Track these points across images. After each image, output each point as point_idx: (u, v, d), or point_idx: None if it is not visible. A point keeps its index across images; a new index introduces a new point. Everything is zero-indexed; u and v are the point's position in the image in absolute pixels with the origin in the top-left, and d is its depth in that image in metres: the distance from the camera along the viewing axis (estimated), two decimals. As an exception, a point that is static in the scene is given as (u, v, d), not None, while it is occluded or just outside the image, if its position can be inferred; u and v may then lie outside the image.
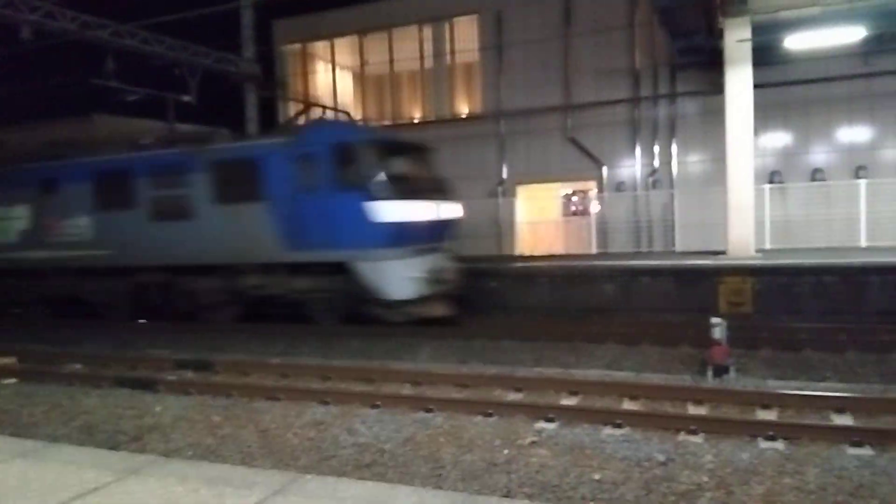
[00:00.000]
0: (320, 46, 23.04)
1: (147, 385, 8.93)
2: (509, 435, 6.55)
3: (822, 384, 7.89)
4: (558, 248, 18.44)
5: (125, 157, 14.17)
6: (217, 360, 10.10)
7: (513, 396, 7.93)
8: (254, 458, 6.36)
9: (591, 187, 18.64)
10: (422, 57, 21.13)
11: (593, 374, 8.83)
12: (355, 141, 12.01)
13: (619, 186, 18.13)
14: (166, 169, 13.41)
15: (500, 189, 19.51)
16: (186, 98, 16.76)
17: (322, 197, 11.67)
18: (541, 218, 19.48)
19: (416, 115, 22.20)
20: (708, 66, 15.51)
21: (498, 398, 7.83)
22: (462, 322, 12.20)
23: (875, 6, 11.79)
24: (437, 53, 20.84)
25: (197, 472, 4.39)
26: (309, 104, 22.69)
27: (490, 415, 7.15)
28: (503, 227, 19.17)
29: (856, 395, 7.15)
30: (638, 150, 17.90)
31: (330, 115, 22.55)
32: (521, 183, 19.52)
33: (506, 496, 5.24)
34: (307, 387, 8.67)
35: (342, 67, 23.20)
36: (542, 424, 6.82)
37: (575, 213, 19.48)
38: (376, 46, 21.73)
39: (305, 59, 23.32)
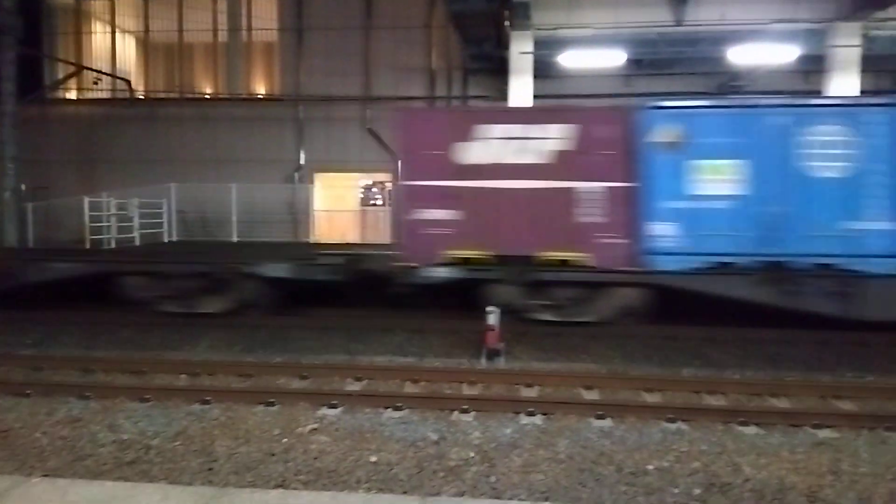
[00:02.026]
0: (98, 5, 20.67)
1: None
2: (290, 423, 6.49)
3: (577, 365, 8.90)
4: (354, 238, 18.62)
5: None
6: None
7: (297, 384, 7.86)
8: (-13, 464, 5.58)
9: (388, 179, 19.04)
10: (215, 30, 19.92)
11: (379, 360, 9.07)
12: None
13: (414, 180, 18.71)
14: None
15: (296, 175, 19.12)
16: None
17: None
18: (338, 207, 19.47)
19: (208, 91, 20.90)
20: (496, 73, 16.63)
21: (281, 387, 7.72)
22: (248, 311, 11.75)
23: (634, 34, 13.53)
24: (233, 28, 19.81)
25: None
26: (82, 67, 20.30)
27: (272, 404, 7.02)
28: (299, 214, 18.85)
29: (602, 374, 8.18)
30: (433, 146, 18.61)
31: (106, 81, 20.41)
32: (319, 170, 19.31)
33: (280, 485, 5.19)
34: (63, 381, 7.79)
35: (124, 31, 21.04)
36: (324, 411, 6.85)
37: (373, 204, 19.79)
38: (164, 12, 20.05)
39: (80, 17, 20.76)
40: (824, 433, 6.33)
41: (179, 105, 20.02)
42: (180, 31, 20.20)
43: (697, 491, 5.15)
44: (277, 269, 10.84)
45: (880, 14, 13.82)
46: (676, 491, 5.15)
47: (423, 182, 10.03)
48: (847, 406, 7.12)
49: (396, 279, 10.29)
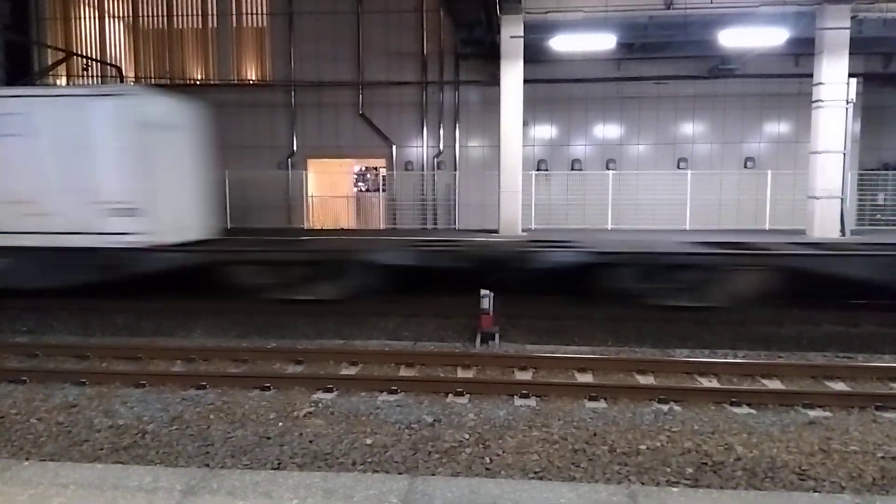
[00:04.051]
0: (85, -11, 20.41)
1: None
2: (285, 407, 6.52)
3: (570, 348, 8.96)
4: (349, 224, 18.60)
5: None
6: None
7: (292, 369, 7.89)
8: (-16, 449, 5.60)
9: (382, 165, 18.98)
10: (204, 14, 19.73)
11: (374, 344, 9.11)
12: None
13: (406, 166, 18.69)
14: None
15: (290, 161, 19.03)
16: None
17: None
18: (332, 193, 19.40)
19: (199, 77, 20.71)
20: (487, 57, 16.53)
21: (277, 372, 7.74)
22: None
23: (625, 17, 13.47)
24: (223, 13, 19.60)
25: None
26: (70, 54, 20.06)
27: (267, 388, 7.06)
28: (293, 201, 18.78)
29: (595, 356, 8.24)
30: (425, 131, 18.57)
31: (95, 67, 20.20)
32: (312, 156, 19.22)
33: (276, 468, 5.23)
34: (60, 367, 7.79)
35: (112, 16, 20.79)
36: (319, 395, 6.90)
37: (367, 190, 19.74)
38: (153, -3, 19.82)
39: (68, 3, 20.49)
40: (815, 413, 6.41)
41: (169, 91, 19.82)
42: (170, 16, 19.97)
43: (690, 470, 5.22)
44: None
45: (870, -4, 13.79)
46: (669, 470, 5.21)
47: None
48: (838, 386, 7.20)
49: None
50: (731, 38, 13.89)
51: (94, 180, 10.38)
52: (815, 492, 4.78)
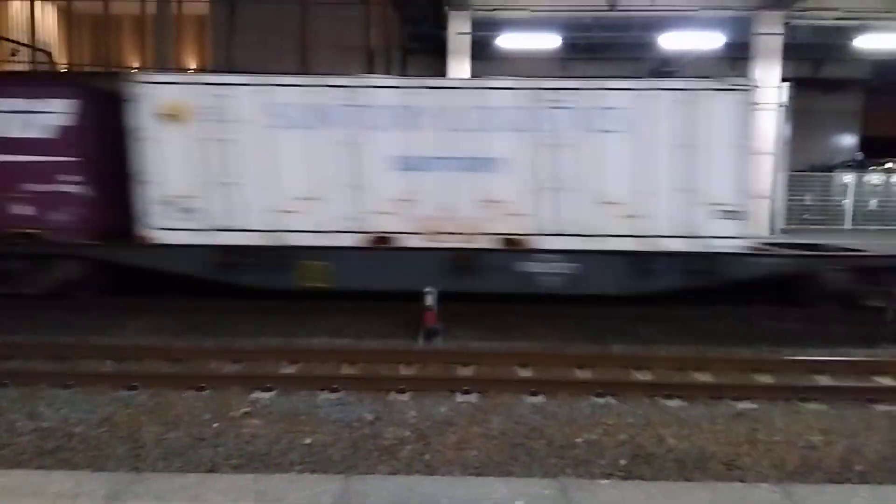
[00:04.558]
0: (12, -30, 19.43)
1: None
2: (221, 408, 6.38)
3: (513, 343, 9.05)
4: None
5: None
6: None
7: (229, 368, 7.72)
8: None
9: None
10: (143, 0, 19.07)
11: (316, 342, 8.99)
12: None
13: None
14: None
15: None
16: None
17: None
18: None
19: (136, 65, 20.02)
20: (435, 53, 16.55)
21: (213, 371, 7.56)
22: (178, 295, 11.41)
23: (570, 17, 13.69)
24: None
25: None
26: (-3, 37, 19.08)
27: (203, 388, 6.88)
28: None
29: (536, 351, 8.35)
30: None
31: (25, 53, 19.28)
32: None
33: (210, 471, 5.10)
34: (-22, 369, 7.40)
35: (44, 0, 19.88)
36: (257, 394, 6.77)
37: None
38: (87, -20, 19.05)
39: (-8, -17, 19.47)
40: (743, 405, 6.66)
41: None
42: (106, 0, 19.22)
43: (623, 462, 5.35)
44: None
45: (801, 4, 14.43)
46: (603, 462, 5.34)
47: None
48: (765, 379, 7.51)
49: None
50: (671, 41, 14.30)
51: (703, 181, 9.63)
52: (740, 481, 4.97)
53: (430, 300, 8.99)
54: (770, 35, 14.32)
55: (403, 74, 18.13)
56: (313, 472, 5.04)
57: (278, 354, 8.04)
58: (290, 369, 7.67)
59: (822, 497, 4.32)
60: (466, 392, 6.87)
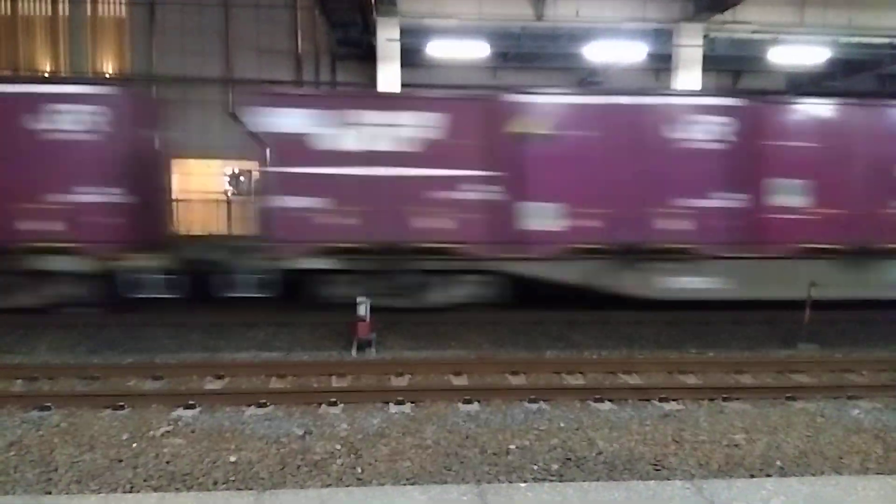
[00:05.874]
0: None
1: None
2: (141, 427, 6.04)
3: (447, 352, 9.01)
4: (219, 228, 17.70)
5: None
6: None
7: (149, 385, 7.34)
8: None
9: (256, 167, 18.25)
10: (55, 0, 18.10)
11: (242, 356, 8.68)
12: None
13: (282, 168, 18.08)
14: None
15: (152, 162, 17.82)
16: None
17: None
18: (201, 196, 18.39)
19: (49, 69, 18.97)
20: (364, 59, 16.43)
21: (131, 389, 7.17)
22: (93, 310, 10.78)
23: (498, 27, 13.85)
24: (76, 0, 18.09)
25: None
26: None
27: (121, 407, 6.51)
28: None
29: (471, 360, 8.33)
30: (301, 133, 18.06)
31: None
32: (175, 156, 18.11)
33: (129, 491, 4.81)
34: None
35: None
36: (180, 412, 6.45)
37: (239, 193, 18.93)
38: (-8, -23, 17.93)
39: None
40: (670, 406, 6.83)
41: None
42: (14, 0, 18.14)
43: (555, 466, 5.37)
44: None
45: (719, 17, 15.09)
46: (536, 467, 5.34)
47: None
48: (690, 380, 7.73)
49: None
50: (597, 52, 14.67)
51: None
52: (666, 479, 5.06)
53: (362, 310, 8.83)
54: (690, 47, 14.91)
55: (334, 80, 17.91)
56: (241, 489, 4.83)
57: (202, 370, 7.71)
58: (214, 385, 7.36)
59: (731, 491, 4.46)
60: (400, 402, 6.76)
